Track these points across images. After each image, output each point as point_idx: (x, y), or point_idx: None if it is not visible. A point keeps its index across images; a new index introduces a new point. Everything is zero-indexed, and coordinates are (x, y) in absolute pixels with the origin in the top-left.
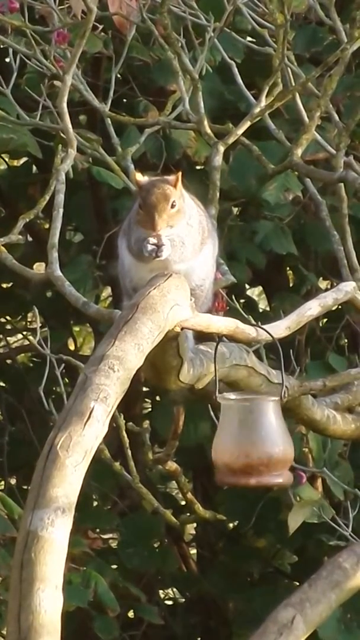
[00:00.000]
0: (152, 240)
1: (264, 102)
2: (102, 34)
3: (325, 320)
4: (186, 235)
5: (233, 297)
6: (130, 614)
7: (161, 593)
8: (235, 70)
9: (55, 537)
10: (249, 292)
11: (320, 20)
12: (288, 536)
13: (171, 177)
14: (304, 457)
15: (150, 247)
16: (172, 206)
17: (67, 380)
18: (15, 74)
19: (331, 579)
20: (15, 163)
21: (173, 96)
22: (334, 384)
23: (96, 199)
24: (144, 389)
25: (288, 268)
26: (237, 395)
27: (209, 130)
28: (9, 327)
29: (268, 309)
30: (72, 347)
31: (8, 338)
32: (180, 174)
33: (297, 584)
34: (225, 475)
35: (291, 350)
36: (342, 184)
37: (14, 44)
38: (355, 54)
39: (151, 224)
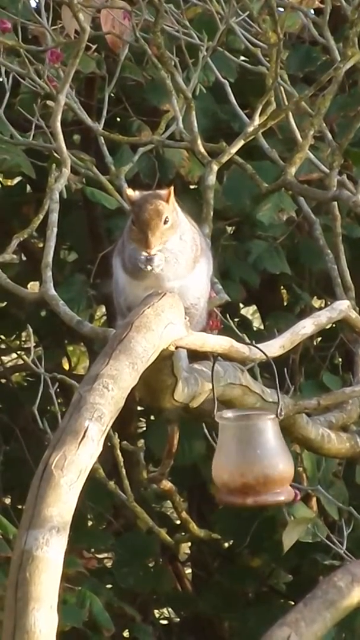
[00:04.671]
0: (145, 253)
1: (257, 121)
2: (96, 53)
3: (319, 339)
4: (180, 251)
5: (227, 316)
6: (126, 633)
7: (156, 612)
8: (229, 89)
9: (50, 556)
10: (243, 311)
11: (314, 39)
12: (283, 555)
13: (163, 192)
14: (298, 476)
15: (144, 259)
16: (165, 222)
17: (61, 400)
18: (8, 94)
19: (326, 598)
20: (10, 182)
21: (166, 115)
22: (328, 403)
23: (90, 218)
24: (139, 408)
25: (282, 287)
26: (234, 412)
27: (202, 150)
28: (3, 346)
29: (262, 327)
30: (66, 366)
31: (2, 357)
32: (172, 188)
33: (293, 603)
34: (224, 495)
35: (285, 369)
36: (335, 203)
37: (7, 63)
38: (348, 73)
39: (145, 242)
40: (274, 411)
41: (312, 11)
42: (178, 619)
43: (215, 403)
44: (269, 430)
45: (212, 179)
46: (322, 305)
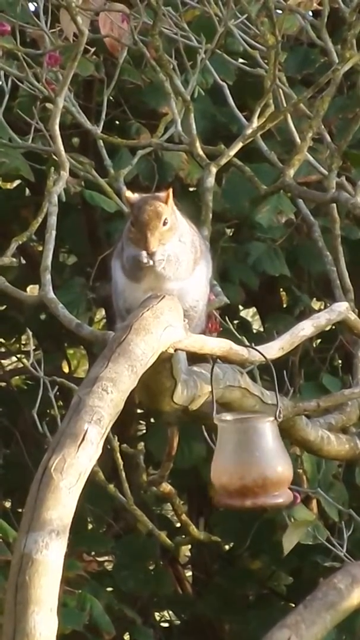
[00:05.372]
0: (146, 253)
1: (255, 123)
2: (94, 56)
3: (318, 341)
4: (179, 252)
5: (227, 318)
6: (126, 636)
7: (157, 615)
8: (227, 91)
9: (49, 559)
10: (242, 313)
11: (312, 41)
12: (283, 557)
13: (162, 194)
14: (298, 477)
15: (145, 259)
16: (164, 223)
17: (61, 403)
18: (7, 97)
19: (326, 600)
20: (8, 186)
21: (165, 118)
22: (328, 405)
23: (89, 221)
24: (138, 410)
25: (281, 289)
26: (234, 415)
27: (201, 152)
28: (2, 349)
29: (262, 329)
30: (66, 369)
31: (2, 361)
32: (171, 190)
33: (293, 605)
34: (223, 497)
35: (285, 371)
36: (334, 205)
37: (5, 66)
38: (347, 75)
39: (144, 243)
40: (273, 413)
41: (310, 13)
42: (178, 622)
43: (214, 405)
44: (268, 432)
45: (210, 181)
46: (322, 307)
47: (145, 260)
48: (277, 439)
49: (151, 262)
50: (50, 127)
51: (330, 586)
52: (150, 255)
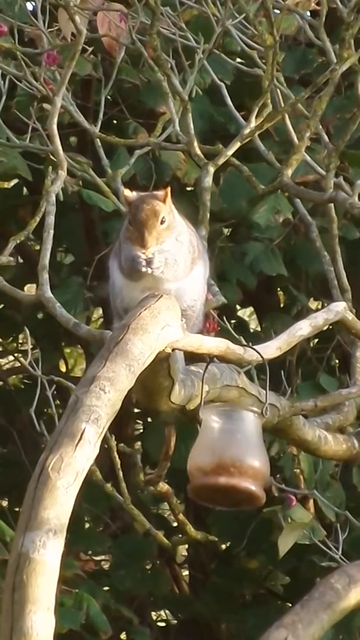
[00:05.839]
0: (144, 256)
1: (253, 123)
2: (92, 56)
3: (316, 340)
4: (177, 252)
5: (224, 318)
6: (123, 636)
7: (153, 615)
8: (225, 91)
9: (46, 559)
10: (240, 313)
11: (310, 41)
12: (280, 557)
13: (160, 193)
14: (295, 478)
15: (143, 261)
16: (162, 222)
17: (58, 402)
18: (5, 97)
19: (323, 600)
20: (6, 185)
21: (163, 118)
22: (325, 405)
23: (87, 220)
24: (135, 410)
25: (279, 289)
26: (220, 406)
27: (198, 152)
28: (0, 348)
29: (259, 329)
30: (63, 368)
31: None
32: (169, 189)
33: (290, 605)
34: (197, 479)
35: (282, 371)
36: (332, 205)
37: (3, 65)
38: (344, 75)
39: (141, 241)
40: (261, 408)
41: (308, 13)
42: (175, 621)
43: (201, 402)
44: (252, 422)
45: (208, 181)
46: (319, 306)
47: (143, 269)
48: (259, 436)
49: (150, 270)
50: (48, 127)
51: (327, 586)
52: (148, 262)
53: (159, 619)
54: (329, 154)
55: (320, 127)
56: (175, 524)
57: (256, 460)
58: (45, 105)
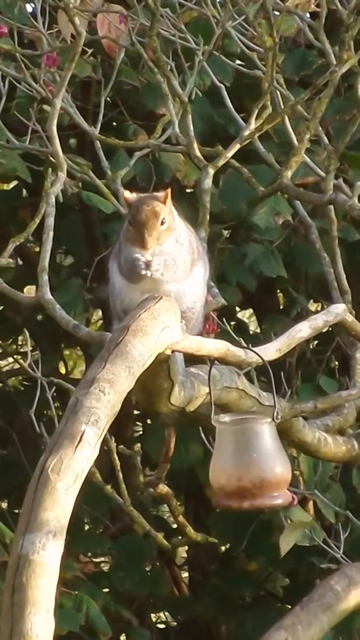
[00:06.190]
0: (143, 258)
1: (253, 124)
2: (92, 58)
3: (315, 342)
4: (176, 253)
5: (224, 320)
6: (122, 638)
7: (153, 617)
8: (225, 93)
9: (46, 560)
10: (239, 315)
11: (310, 43)
12: (280, 559)
13: (160, 194)
14: (295, 479)
15: (142, 264)
16: (162, 223)
17: (58, 404)
18: (4, 98)
19: (323, 601)
20: (6, 187)
21: (162, 119)
22: (325, 406)
23: (86, 222)
24: (135, 412)
25: (278, 290)
26: (232, 416)
27: (198, 153)
28: (0, 350)
29: (259, 331)
30: (62, 370)
31: None
32: (169, 190)
33: (289, 606)
34: (221, 498)
35: (282, 373)
36: (331, 207)
37: (3, 67)
38: (344, 77)
39: (141, 242)
40: (271, 415)
41: (308, 15)
42: (175, 623)
43: (212, 407)
44: (266, 433)
45: (208, 182)
46: (319, 308)
47: (143, 272)
48: (275, 440)
49: (149, 273)
50: (48, 128)
51: (327, 588)
52: (147, 265)
53: (158, 620)
54: (328, 156)
55: (320, 128)
56: (175, 526)
57: (276, 468)
58: (45, 107)
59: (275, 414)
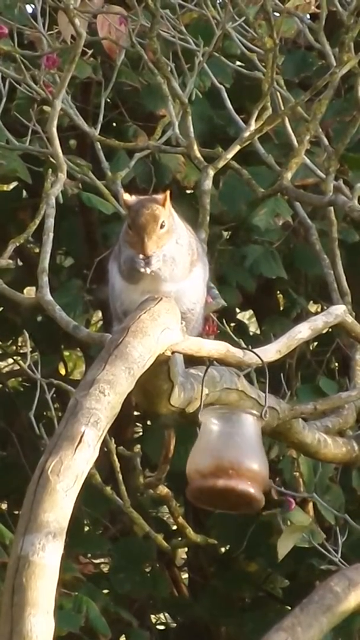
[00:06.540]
0: (142, 256)
1: (253, 126)
2: (92, 59)
3: (315, 343)
4: (176, 254)
5: (224, 321)
6: (122, 639)
7: (153, 618)
8: (225, 94)
9: (46, 562)
10: (239, 316)
11: (310, 44)
12: (279, 560)
13: (159, 196)
14: (294, 481)
15: (142, 262)
16: (162, 226)
17: (57, 405)
18: (4, 99)
19: (323, 603)
20: (6, 188)
21: (162, 121)
22: (325, 408)
23: (86, 223)
24: (135, 413)
25: (278, 292)
26: (219, 409)
27: (198, 155)
28: None
29: (259, 332)
30: (62, 371)
31: None
32: (168, 192)
33: (289, 608)
34: (195, 481)
35: (282, 374)
36: (331, 208)
37: (3, 68)
38: (344, 78)
39: (141, 246)
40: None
41: (308, 16)
42: (175, 624)
43: (201, 405)
44: (251, 424)
45: (208, 184)
46: (319, 310)
47: (142, 269)
48: (259, 439)
49: (148, 271)
50: (48, 129)
51: (327, 589)
52: (147, 262)
53: (158, 621)
54: (328, 157)
55: (320, 130)
56: (174, 527)
57: (255, 463)
58: (45, 108)
59: (263, 411)
